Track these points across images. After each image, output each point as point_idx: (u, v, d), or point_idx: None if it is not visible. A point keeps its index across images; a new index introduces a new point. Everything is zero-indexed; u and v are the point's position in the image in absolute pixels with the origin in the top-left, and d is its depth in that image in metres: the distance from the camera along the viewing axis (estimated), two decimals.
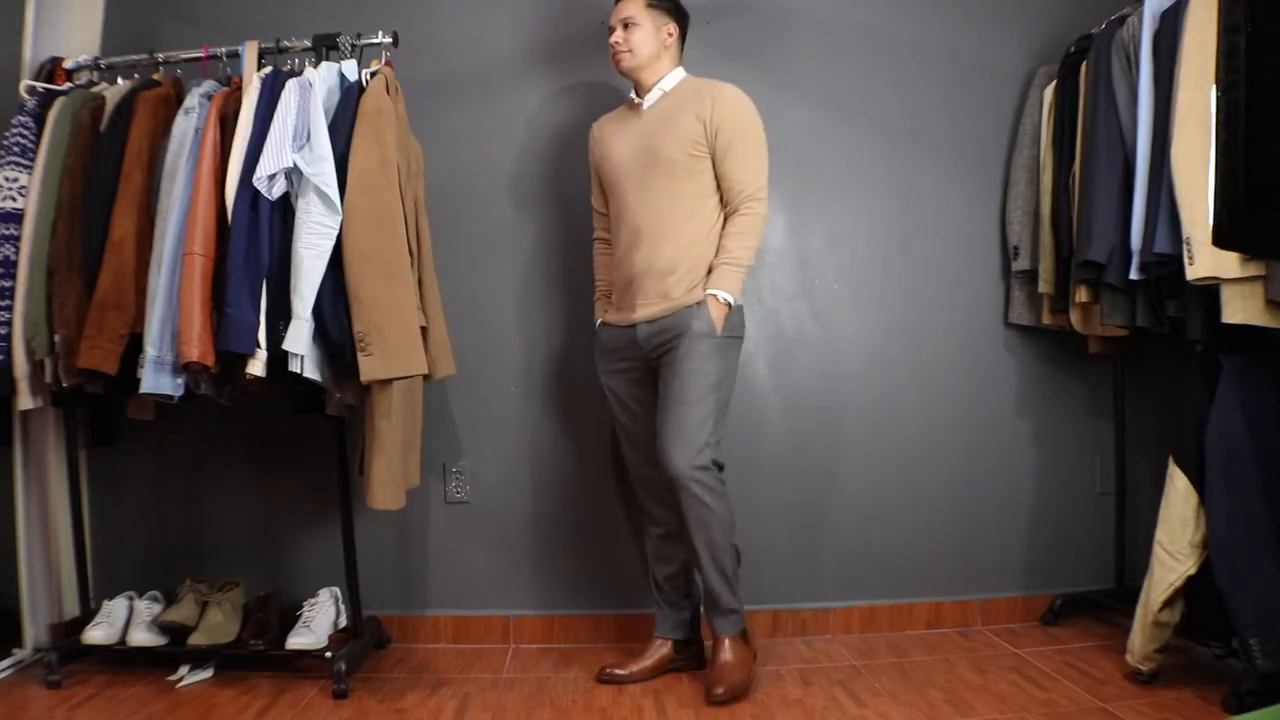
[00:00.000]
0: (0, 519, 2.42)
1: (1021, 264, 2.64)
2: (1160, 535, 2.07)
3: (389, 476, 2.08)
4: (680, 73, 2.28)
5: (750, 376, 2.66)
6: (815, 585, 2.66)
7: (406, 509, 2.24)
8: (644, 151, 2.21)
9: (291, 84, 2.10)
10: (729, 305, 2.15)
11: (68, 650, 2.26)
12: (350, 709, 2.10)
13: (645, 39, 2.21)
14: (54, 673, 2.19)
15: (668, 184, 2.18)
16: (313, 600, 2.41)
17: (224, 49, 2.27)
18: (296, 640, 2.23)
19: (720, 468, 2.15)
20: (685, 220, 2.18)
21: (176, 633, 2.27)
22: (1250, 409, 1.98)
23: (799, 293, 2.70)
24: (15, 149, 2.21)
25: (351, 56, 2.23)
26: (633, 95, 2.30)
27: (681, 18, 2.29)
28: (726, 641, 2.18)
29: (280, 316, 2.04)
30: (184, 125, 2.16)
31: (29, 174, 2.20)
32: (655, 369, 2.22)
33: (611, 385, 2.31)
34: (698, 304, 2.14)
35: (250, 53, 2.23)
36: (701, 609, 2.29)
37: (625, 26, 2.22)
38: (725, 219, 2.20)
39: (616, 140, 2.28)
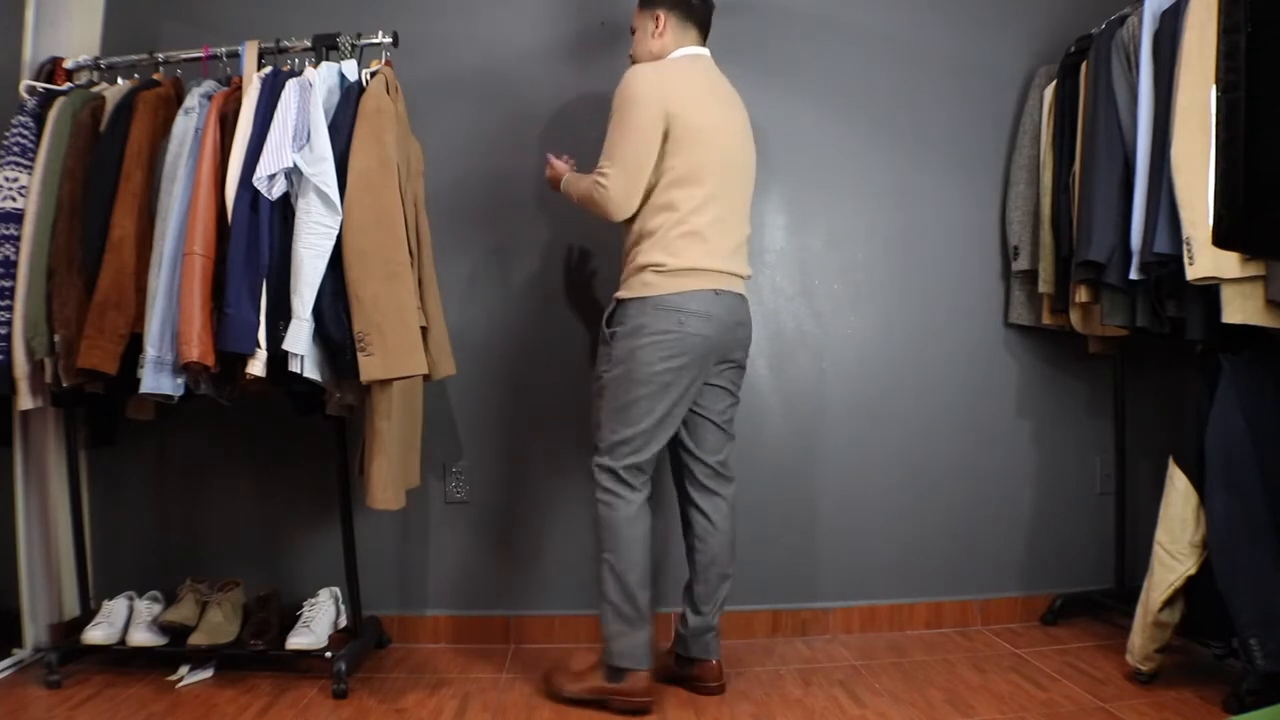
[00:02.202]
0: (0, 519, 2.42)
1: (1021, 264, 2.64)
2: (1160, 535, 2.07)
3: (389, 477, 2.09)
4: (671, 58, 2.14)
5: (750, 376, 2.65)
6: (815, 585, 2.66)
7: (406, 509, 2.24)
8: None
9: (291, 84, 2.10)
10: (617, 301, 2.09)
11: (68, 650, 2.26)
12: (350, 709, 2.10)
13: (640, 42, 2.18)
14: (54, 673, 2.19)
15: None
16: (313, 600, 2.41)
17: (224, 49, 2.27)
18: (296, 640, 2.23)
19: (623, 479, 2.05)
20: (636, 222, 2.11)
21: (176, 633, 2.26)
22: (1250, 409, 1.98)
23: (799, 293, 2.70)
24: (15, 149, 2.21)
25: (351, 56, 2.22)
26: None
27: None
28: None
29: (280, 316, 2.04)
30: (184, 125, 2.15)
31: (29, 174, 2.20)
32: None
33: None
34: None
35: (250, 53, 2.23)
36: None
37: (632, 33, 2.21)
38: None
39: None
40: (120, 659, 2.34)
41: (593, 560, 2.61)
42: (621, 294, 2.09)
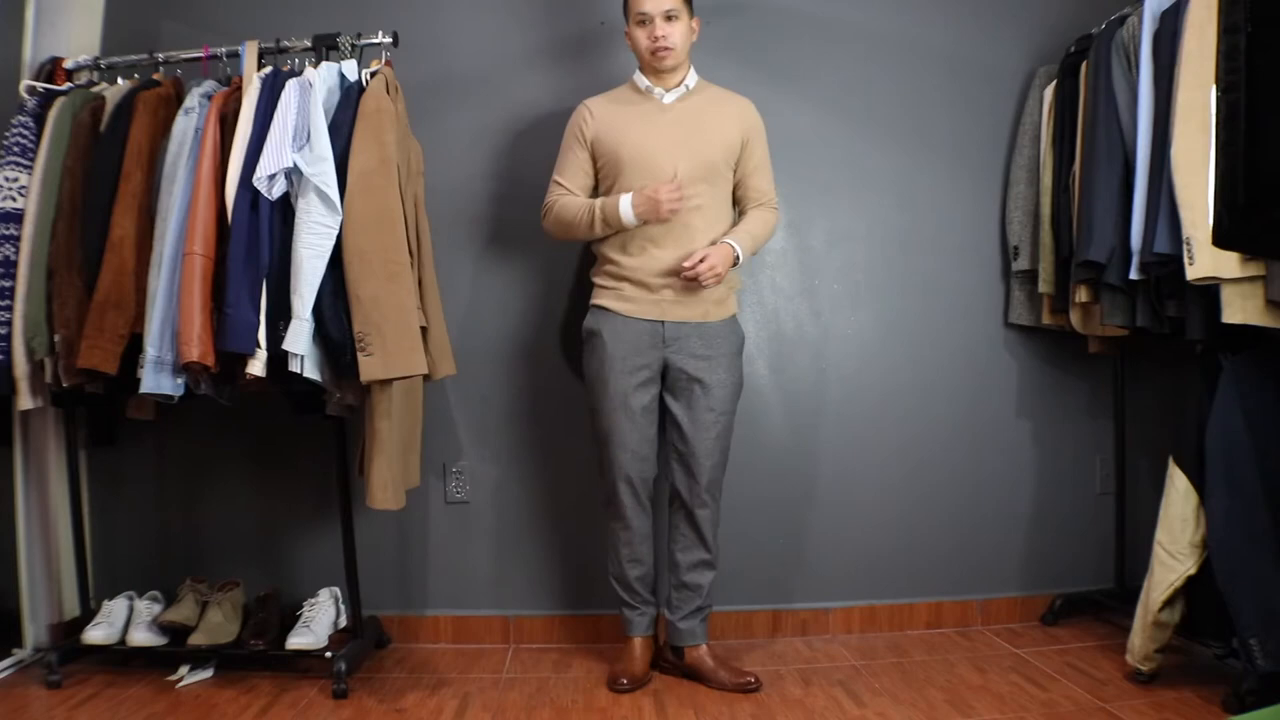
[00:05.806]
0: (0, 519, 2.42)
1: (1021, 264, 2.64)
2: (1160, 535, 2.07)
3: (389, 476, 2.09)
4: (694, 71, 2.27)
5: (750, 376, 2.66)
6: (815, 585, 2.66)
7: (406, 509, 2.24)
8: (682, 148, 2.17)
9: (291, 84, 2.10)
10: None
11: (68, 650, 2.26)
12: (350, 709, 2.10)
13: (684, 34, 2.16)
14: (54, 673, 2.19)
15: (705, 186, 2.19)
16: (313, 600, 2.41)
17: (224, 49, 2.27)
18: (296, 640, 2.23)
19: None
20: (718, 224, 2.22)
21: (176, 633, 2.27)
22: (1250, 409, 1.97)
23: (799, 292, 2.70)
24: (15, 149, 2.21)
25: (351, 56, 2.22)
26: (645, 84, 2.23)
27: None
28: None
29: (280, 316, 2.04)
30: (184, 125, 2.16)
31: (29, 174, 2.20)
32: (667, 372, 2.22)
33: (622, 386, 2.18)
34: (731, 317, 2.28)
35: (250, 53, 2.23)
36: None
37: (668, 19, 2.11)
38: (744, 215, 2.30)
39: (635, 128, 2.19)
40: (120, 659, 2.34)
41: (593, 560, 2.63)
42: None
